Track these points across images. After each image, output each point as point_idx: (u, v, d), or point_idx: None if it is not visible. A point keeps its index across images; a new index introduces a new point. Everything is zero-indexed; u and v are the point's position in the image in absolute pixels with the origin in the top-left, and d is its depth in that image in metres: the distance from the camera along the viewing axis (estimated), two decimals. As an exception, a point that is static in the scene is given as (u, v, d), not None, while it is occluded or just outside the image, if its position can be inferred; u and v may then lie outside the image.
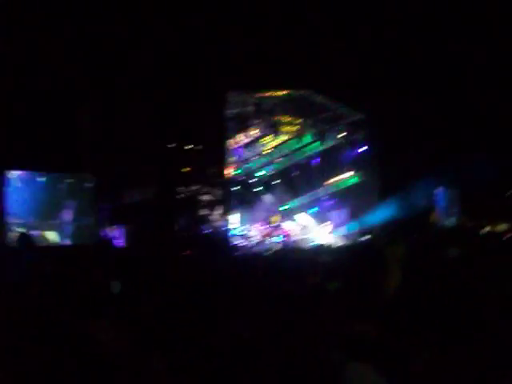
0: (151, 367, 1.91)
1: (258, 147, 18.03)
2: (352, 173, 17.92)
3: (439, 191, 17.36)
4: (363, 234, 14.51)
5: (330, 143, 17.80)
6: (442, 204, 17.46)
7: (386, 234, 14.18)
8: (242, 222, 17.23)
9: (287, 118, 16.18)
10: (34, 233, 10.96)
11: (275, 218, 17.85)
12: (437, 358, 1.81)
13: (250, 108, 15.03)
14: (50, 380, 1.59)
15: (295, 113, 15.98)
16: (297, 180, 19.12)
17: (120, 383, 1.82)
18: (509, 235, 8.39)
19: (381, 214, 16.13)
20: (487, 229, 11.92)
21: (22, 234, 8.08)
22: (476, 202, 15.02)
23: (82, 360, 1.71)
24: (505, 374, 1.59)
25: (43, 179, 12.11)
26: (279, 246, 14.78)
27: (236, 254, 12.36)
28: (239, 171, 18.13)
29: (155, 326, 2.56)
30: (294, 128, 16.64)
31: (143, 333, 2.46)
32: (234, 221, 16.27)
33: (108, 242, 12.31)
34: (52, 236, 12.18)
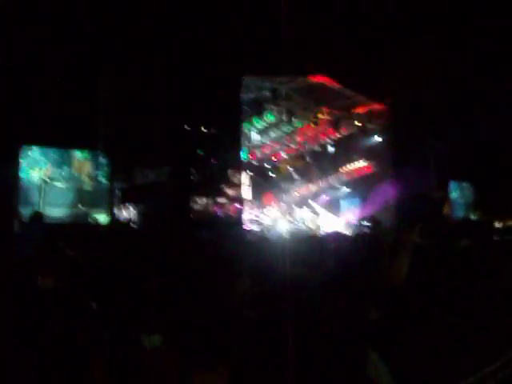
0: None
1: (273, 132, 17.99)
2: (365, 162, 17.88)
3: (453, 184, 17.32)
4: (372, 223, 14.49)
5: (344, 131, 17.73)
6: (456, 197, 17.44)
7: (397, 223, 14.17)
8: (255, 207, 17.25)
9: (303, 105, 16.10)
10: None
11: (287, 204, 17.87)
12: (439, 344, 1.83)
13: (266, 93, 14.95)
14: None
15: (311, 99, 15.89)
16: (310, 167, 19.10)
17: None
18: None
19: (392, 203, 16.10)
20: (499, 224, 11.88)
21: (35, 212, 8.28)
22: (489, 196, 14.92)
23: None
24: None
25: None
26: (289, 232, 14.78)
27: (248, 238, 12.37)
28: (253, 156, 18.11)
29: (161, 305, 2.59)
30: (310, 114, 16.56)
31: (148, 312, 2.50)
32: (247, 205, 16.29)
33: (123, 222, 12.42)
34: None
